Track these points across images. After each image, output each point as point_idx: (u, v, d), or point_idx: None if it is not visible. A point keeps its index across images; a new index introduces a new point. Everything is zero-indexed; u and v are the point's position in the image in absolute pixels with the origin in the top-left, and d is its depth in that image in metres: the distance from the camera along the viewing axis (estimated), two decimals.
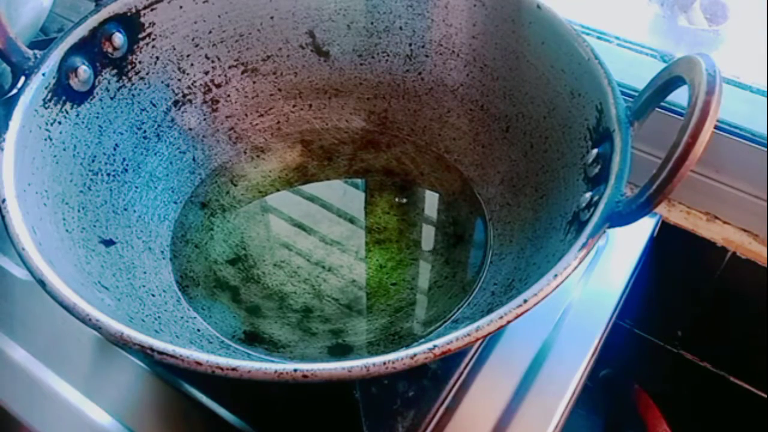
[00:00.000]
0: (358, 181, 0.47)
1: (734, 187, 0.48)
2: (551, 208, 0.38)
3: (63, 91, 0.37)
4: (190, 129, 0.46)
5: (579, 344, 0.41)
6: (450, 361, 0.39)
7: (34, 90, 0.35)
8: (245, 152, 0.48)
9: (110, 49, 0.40)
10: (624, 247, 0.46)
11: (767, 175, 0.46)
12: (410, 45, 0.47)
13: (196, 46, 0.45)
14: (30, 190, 0.33)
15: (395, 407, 0.37)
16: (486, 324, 0.26)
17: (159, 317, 0.36)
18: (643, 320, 0.57)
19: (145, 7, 0.41)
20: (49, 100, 0.36)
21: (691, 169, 0.27)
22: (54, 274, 0.29)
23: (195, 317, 0.39)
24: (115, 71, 0.41)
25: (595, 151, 0.34)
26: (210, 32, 0.45)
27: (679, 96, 0.30)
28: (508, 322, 0.27)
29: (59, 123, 0.37)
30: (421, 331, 0.39)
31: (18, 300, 0.43)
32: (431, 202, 0.46)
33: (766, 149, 0.45)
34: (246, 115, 0.48)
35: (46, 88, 0.36)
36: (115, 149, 0.41)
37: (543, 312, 0.42)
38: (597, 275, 0.44)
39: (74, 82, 0.38)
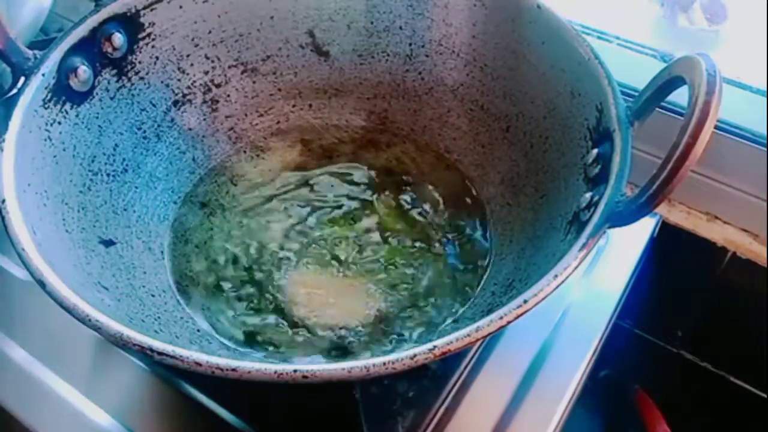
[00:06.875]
0: None
1: (734, 187, 0.48)
2: (551, 208, 0.38)
3: (63, 92, 0.37)
4: (190, 129, 0.46)
5: (579, 344, 0.41)
6: (450, 361, 0.39)
7: (34, 90, 0.35)
8: (245, 152, 0.48)
9: (110, 49, 0.40)
10: (624, 248, 0.46)
11: (767, 175, 0.46)
12: (410, 45, 0.47)
13: (196, 46, 0.45)
14: (30, 190, 0.33)
15: (395, 407, 0.37)
16: (486, 324, 0.26)
17: (159, 317, 0.36)
18: (643, 320, 0.57)
19: (144, 7, 0.41)
20: (49, 101, 0.36)
21: (691, 169, 0.27)
22: (54, 275, 0.29)
23: (194, 317, 0.39)
24: (114, 71, 0.41)
25: (595, 151, 0.34)
26: (210, 32, 0.45)
27: (679, 96, 0.30)
28: (508, 322, 0.27)
29: (59, 123, 0.37)
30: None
31: (18, 300, 0.43)
32: (431, 202, 0.46)
33: (766, 149, 0.45)
34: (246, 114, 0.48)
35: (45, 88, 0.36)
36: (114, 149, 0.41)
37: (543, 312, 0.41)
38: (597, 275, 0.44)
39: (74, 83, 0.38)
